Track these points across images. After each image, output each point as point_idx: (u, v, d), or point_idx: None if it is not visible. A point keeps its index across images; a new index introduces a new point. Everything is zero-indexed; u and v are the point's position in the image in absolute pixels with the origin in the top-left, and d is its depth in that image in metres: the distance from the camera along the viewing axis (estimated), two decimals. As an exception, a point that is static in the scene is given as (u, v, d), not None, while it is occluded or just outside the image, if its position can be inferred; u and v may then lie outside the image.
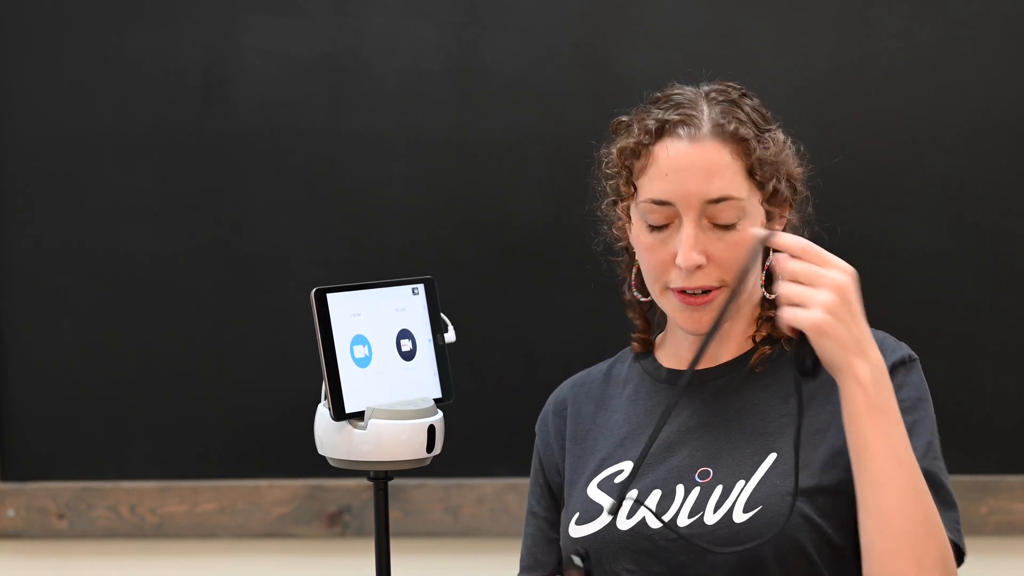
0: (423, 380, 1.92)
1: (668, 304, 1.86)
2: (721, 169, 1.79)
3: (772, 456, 1.80)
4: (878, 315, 1.96)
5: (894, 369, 1.79)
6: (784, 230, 1.87)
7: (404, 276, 1.94)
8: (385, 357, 1.90)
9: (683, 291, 1.82)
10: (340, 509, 2.96)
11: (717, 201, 1.79)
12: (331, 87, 2.91)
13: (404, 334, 1.92)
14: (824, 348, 1.66)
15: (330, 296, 1.86)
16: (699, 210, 1.79)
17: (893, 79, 2.87)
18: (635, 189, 1.83)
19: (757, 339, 1.89)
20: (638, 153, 1.82)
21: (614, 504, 1.77)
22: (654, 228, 1.82)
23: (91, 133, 2.93)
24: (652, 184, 1.81)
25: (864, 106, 2.87)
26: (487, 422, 2.91)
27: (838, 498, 1.77)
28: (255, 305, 2.94)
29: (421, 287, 1.94)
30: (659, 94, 1.88)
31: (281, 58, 2.91)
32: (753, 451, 1.81)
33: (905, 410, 1.73)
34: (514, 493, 2.94)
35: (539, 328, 2.92)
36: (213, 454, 2.96)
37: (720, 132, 1.80)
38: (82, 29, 2.91)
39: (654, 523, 1.81)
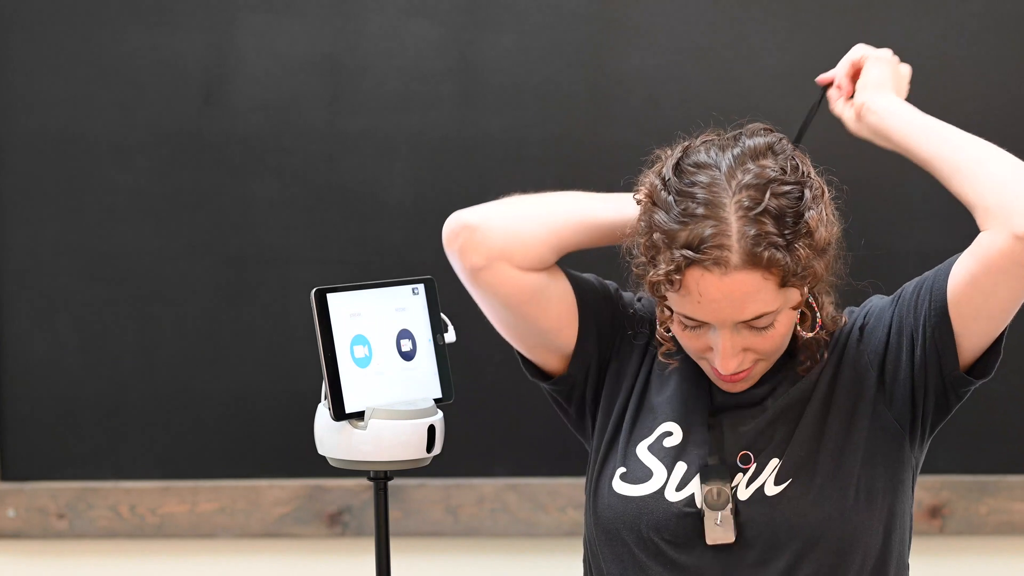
0: (423, 380, 1.92)
1: (705, 369, 1.87)
2: (754, 294, 1.76)
3: (798, 431, 1.85)
4: (878, 315, 1.96)
5: (887, 309, 1.90)
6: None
7: (404, 276, 1.94)
8: (385, 357, 1.90)
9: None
10: (340, 509, 2.96)
11: (749, 320, 1.78)
12: (331, 87, 2.91)
13: (404, 334, 1.92)
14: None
15: (330, 296, 1.86)
16: (731, 325, 1.79)
17: (893, 79, 2.87)
18: (670, 311, 1.83)
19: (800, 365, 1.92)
20: (671, 282, 1.77)
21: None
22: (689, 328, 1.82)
23: (91, 133, 2.92)
24: (685, 304, 1.79)
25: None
26: (487, 422, 2.90)
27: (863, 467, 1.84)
28: (255, 305, 2.94)
29: (421, 287, 1.94)
30: (677, 178, 1.79)
31: (281, 58, 2.91)
32: (785, 429, 1.85)
33: (924, 281, 1.86)
34: (514, 493, 2.94)
35: (539, 328, 2.92)
36: (213, 454, 2.96)
37: (751, 262, 1.74)
38: (82, 29, 2.91)
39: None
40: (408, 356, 1.92)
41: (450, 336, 1.94)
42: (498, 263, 1.89)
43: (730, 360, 1.79)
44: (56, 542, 3.00)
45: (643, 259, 1.81)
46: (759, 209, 1.74)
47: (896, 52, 2.88)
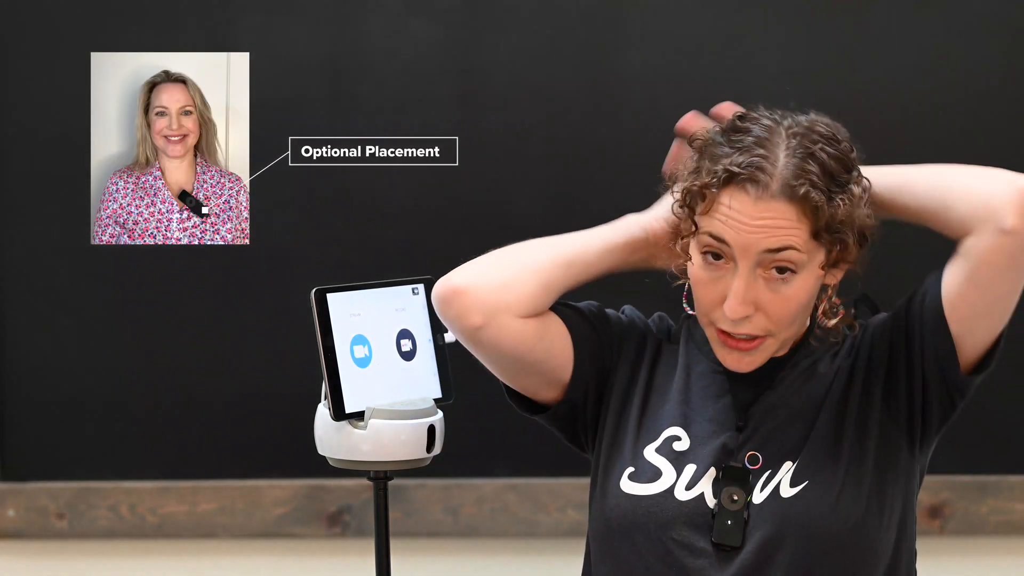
0: (423, 380, 1.92)
1: (711, 338, 1.87)
2: (784, 227, 1.77)
3: (814, 434, 1.84)
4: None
5: (888, 322, 1.92)
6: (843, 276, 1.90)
7: (404, 276, 1.94)
8: (385, 357, 1.90)
9: (728, 333, 1.83)
10: (340, 509, 2.96)
11: (775, 251, 1.78)
12: (331, 87, 2.91)
13: (404, 334, 1.92)
14: None
15: (330, 296, 1.86)
16: (755, 259, 1.78)
17: (892, 79, 2.87)
18: (695, 228, 1.83)
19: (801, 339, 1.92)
20: (703, 196, 1.80)
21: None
22: (710, 261, 1.81)
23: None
24: (713, 223, 1.80)
25: (864, 106, 2.87)
26: (487, 422, 2.90)
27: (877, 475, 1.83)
28: (255, 305, 2.93)
29: (421, 287, 1.94)
30: (739, 122, 1.84)
31: (281, 58, 2.90)
32: (798, 434, 1.85)
33: (916, 295, 1.88)
34: (514, 493, 2.93)
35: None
36: (213, 454, 2.96)
37: (789, 193, 1.77)
38: (81, 29, 2.91)
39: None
40: (408, 356, 1.92)
41: (450, 336, 1.94)
42: (497, 317, 1.88)
43: (740, 303, 1.78)
44: (56, 542, 3.00)
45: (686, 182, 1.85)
46: (808, 152, 1.79)
47: (896, 52, 2.89)
